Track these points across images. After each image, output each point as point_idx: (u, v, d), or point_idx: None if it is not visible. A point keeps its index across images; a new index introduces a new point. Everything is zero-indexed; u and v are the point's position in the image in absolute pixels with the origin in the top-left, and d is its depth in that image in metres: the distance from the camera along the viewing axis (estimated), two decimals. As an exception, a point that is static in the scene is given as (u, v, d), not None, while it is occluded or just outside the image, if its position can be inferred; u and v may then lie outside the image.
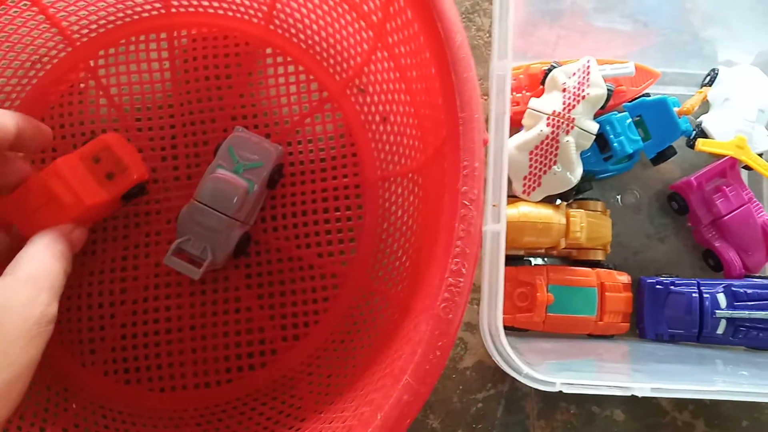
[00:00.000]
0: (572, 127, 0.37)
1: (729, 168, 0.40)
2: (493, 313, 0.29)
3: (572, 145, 0.36)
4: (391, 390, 0.25)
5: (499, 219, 0.30)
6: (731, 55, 0.43)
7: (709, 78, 0.42)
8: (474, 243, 0.31)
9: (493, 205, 0.30)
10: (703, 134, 0.41)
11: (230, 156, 0.39)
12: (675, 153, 0.41)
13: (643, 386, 0.29)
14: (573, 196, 0.41)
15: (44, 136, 0.34)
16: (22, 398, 0.26)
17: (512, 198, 0.40)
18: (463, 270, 0.30)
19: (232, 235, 0.38)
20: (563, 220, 0.38)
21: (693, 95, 0.40)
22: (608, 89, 0.37)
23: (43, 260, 0.30)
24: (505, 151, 0.30)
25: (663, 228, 0.43)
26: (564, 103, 0.37)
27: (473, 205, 0.31)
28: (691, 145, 0.41)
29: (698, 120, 0.41)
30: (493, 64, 0.30)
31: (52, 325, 0.28)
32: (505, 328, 0.40)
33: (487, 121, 0.35)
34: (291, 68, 0.43)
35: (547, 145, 0.37)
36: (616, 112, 0.39)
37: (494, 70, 0.30)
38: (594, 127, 0.37)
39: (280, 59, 0.43)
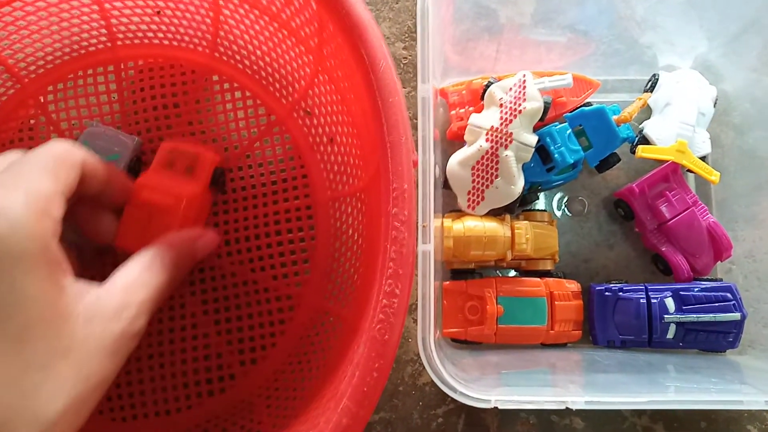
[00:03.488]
0: (511, 141, 0.37)
1: (671, 172, 0.41)
2: (427, 333, 0.30)
3: (512, 159, 0.37)
4: (332, 414, 0.26)
5: (429, 239, 0.30)
6: (670, 60, 0.45)
7: (650, 84, 0.43)
8: (407, 263, 0.31)
9: (423, 226, 0.30)
10: (645, 140, 0.41)
11: None
12: (619, 160, 0.42)
13: (576, 399, 0.30)
14: (519, 208, 0.42)
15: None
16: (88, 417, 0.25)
17: (458, 213, 0.41)
18: (397, 291, 0.31)
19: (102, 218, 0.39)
20: (508, 233, 0.39)
21: (633, 101, 0.41)
22: (545, 102, 0.38)
23: (141, 272, 0.29)
24: (431, 172, 0.30)
25: (612, 234, 0.44)
26: (501, 119, 0.38)
27: (404, 226, 0.31)
28: (633, 151, 0.41)
29: (640, 126, 0.42)
30: (418, 88, 0.31)
31: (137, 340, 0.27)
32: (458, 341, 0.40)
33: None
34: (238, 94, 0.44)
35: (487, 159, 0.38)
36: (556, 123, 0.40)
37: (419, 92, 0.31)
38: (533, 139, 0.38)
39: (226, 86, 0.44)
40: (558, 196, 0.46)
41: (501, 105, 0.40)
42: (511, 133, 0.39)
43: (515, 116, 0.39)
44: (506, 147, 0.39)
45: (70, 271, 0.26)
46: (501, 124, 0.40)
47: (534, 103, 0.40)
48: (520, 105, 0.40)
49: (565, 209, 0.46)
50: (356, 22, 0.32)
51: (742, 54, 0.44)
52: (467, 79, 0.45)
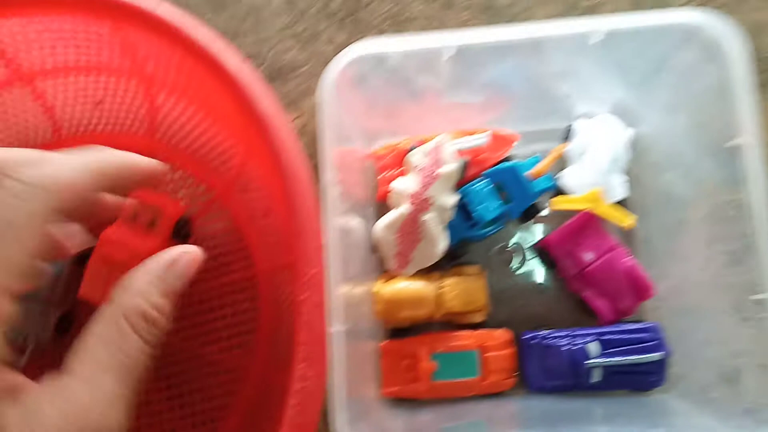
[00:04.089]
0: (431, 205, 0.39)
1: (588, 220, 0.43)
2: (339, 412, 0.32)
3: (432, 223, 0.40)
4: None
5: (336, 320, 0.32)
6: (588, 107, 0.47)
7: (566, 134, 0.45)
8: (319, 346, 0.33)
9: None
10: (562, 191, 0.43)
11: None
12: (539, 210, 0.43)
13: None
14: (450, 263, 0.44)
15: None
16: None
17: (389, 274, 0.43)
18: (309, 373, 0.32)
19: (49, 319, 0.43)
20: (436, 291, 0.41)
21: (548, 154, 0.43)
22: (462, 163, 0.40)
23: (119, 346, 0.25)
24: (337, 257, 0.33)
25: (543, 279, 0.46)
26: (420, 184, 0.40)
27: (317, 309, 0.33)
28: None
29: (557, 176, 0.44)
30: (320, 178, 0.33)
31: None
32: (395, 399, 0.42)
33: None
34: (178, 173, 0.46)
35: (409, 223, 0.40)
36: (478, 180, 0.42)
37: (321, 182, 0.33)
38: (452, 200, 0.40)
39: (167, 166, 0.46)
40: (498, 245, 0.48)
41: (420, 171, 0.42)
42: (430, 198, 0.41)
43: (433, 181, 0.42)
44: (426, 210, 0.42)
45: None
46: (420, 188, 0.42)
47: (450, 167, 0.42)
48: (437, 169, 0.42)
49: (499, 256, 0.48)
50: (260, 115, 0.35)
51: (655, 95, 0.46)
52: (396, 140, 0.47)
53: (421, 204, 0.42)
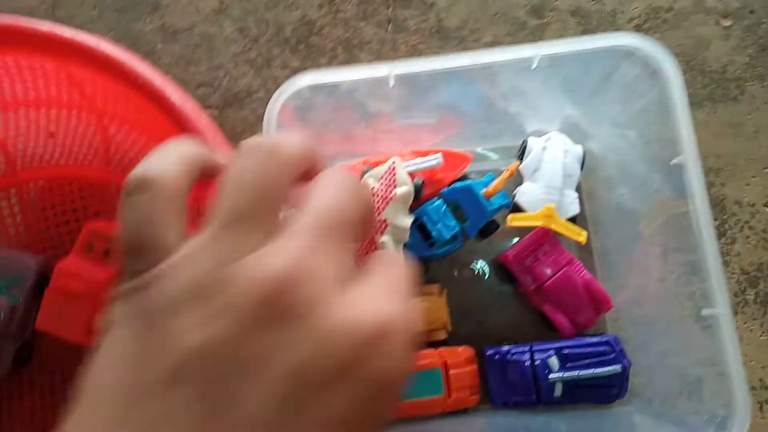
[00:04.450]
0: (386, 227, 0.39)
1: (544, 235, 0.43)
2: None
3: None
4: None
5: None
6: (538, 125, 0.48)
7: (520, 151, 0.46)
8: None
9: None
10: (518, 208, 0.44)
11: None
12: (497, 227, 0.44)
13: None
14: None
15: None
16: None
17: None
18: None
19: (5, 351, 0.44)
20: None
21: (502, 173, 0.43)
22: (415, 185, 0.40)
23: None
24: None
25: (503, 295, 0.47)
26: (375, 207, 0.40)
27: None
28: (505, 220, 0.44)
29: (513, 193, 0.44)
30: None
31: None
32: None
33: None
34: (134, 203, 0.45)
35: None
36: (434, 200, 0.43)
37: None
38: (407, 221, 0.41)
39: (123, 196, 0.46)
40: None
41: (374, 194, 0.42)
42: (385, 220, 0.42)
43: (387, 203, 0.42)
44: (382, 233, 0.42)
45: None
46: (375, 212, 0.42)
47: (404, 188, 0.42)
48: (390, 192, 0.42)
49: (460, 273, 0.48)
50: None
51: (603, 111, 0.47)
52: (351, 162, 0.48)
53: (377, 227, 0.42)
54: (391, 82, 0.39)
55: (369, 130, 0.47)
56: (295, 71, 0.41)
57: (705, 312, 0.37)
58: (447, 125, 0.47)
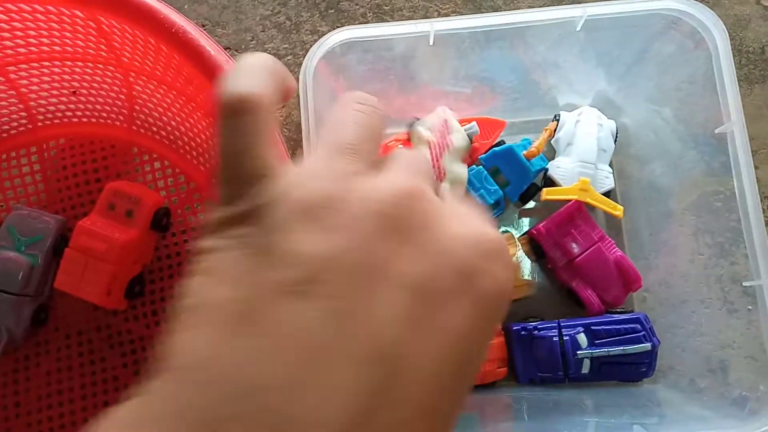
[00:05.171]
0: (444, 175, 0.40)
1: (576, 211, 0.43)
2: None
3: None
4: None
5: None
6: (570, 99, 0.48)
7: (555, 122, 0.45)
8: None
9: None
10: (551, 181, 0.43)
11: (10, 235, 0.43)
12: (538, 189, 0.44)
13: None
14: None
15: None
16: None
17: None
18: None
19: (24, 311, 0.43)
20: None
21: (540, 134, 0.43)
22: (472, 130, 0.41)
23: None
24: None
25: (532, 270, 0.45)
26: (432, 155, 0.40)
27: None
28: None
29: (546, 166, 0.44)
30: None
31: None
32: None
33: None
34: (157, 164, 0.45)
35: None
36: (473, 167, 0.42)
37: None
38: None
39: (146, 157, 0.46)
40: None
41: (429, 142, 0.42)
42: (444, 167, 0.41)
43: (444, 151, 0.41)
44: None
45: None
46: (433, 160, 0.41)
47: (458, 135, 0.42)
48: (446, 138, 0.42)
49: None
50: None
51: (638, 86, 0.47)
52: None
53: (437, 173, 0.41)
54: (431, 40, 0.38)
55: (401, 98, 0.46)
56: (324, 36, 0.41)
57: (746, 283, 0.36)
58: (481, 97, 0.46)
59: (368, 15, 0.50)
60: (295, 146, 0.48)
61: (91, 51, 0.42)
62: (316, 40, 0.50)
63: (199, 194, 0.47)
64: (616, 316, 0.42)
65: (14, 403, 0.44)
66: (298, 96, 0.50)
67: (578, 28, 0.38)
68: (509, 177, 0.45)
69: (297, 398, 0.14)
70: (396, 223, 0.17)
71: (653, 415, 0.40)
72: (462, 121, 0.45)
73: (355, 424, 0.14)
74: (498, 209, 0.46)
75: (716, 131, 0.37)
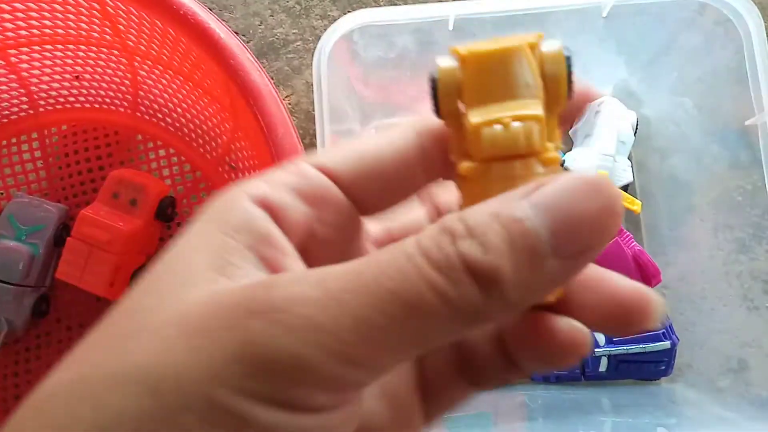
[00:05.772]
0: None
1: (594, 203, 0.41)
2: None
3: None
4: None
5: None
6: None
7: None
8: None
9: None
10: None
11: (10, 224, 0.42)
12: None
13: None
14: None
15: None
16: None
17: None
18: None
19: (24, 302, 0.42)
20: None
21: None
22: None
23: None
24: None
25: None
26: None
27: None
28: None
29: (562, 158, 0.42)
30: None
31: None
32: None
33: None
34: (162, 152, 0.44)
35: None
36: None
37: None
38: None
39: (150, 144, 0.45)
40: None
41: None
42: None
43: None
44: None
45: None
46: None
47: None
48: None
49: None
50: (254, 89, 0.33)
51: (660, 77, 0.45)
52: (390, 120, 0.45)
53: None
54: (451, 25, 0.36)
55: (414, 87, 0.45)
56: (335, 22, 0.39)
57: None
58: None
59: (381, 0, 0.48)
60: (303, 135, 0.46)
61: (95, 34, 0.41)
62: (326, 26, 0.48)
63: (206, 183, 0.45)
64: (635, 313, 0.41)
65: (14, 395, 0.43)
66: (307, 83, 0.49)
67: (604, 15, 0.37)
68: None
69: None
70: None
71: (674, 415, 0.39)
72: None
73: None
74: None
75: (746, 123, 0.36)
